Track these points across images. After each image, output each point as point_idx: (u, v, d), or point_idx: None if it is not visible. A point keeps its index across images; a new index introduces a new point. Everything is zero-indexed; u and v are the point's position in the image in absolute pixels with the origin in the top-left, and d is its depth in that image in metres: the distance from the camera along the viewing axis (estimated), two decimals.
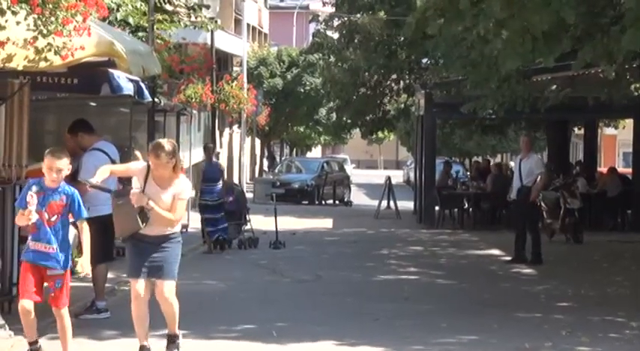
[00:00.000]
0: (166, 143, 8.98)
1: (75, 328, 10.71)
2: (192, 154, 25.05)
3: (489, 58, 15.85)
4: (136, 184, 9.09)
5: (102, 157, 11.65)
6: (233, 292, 14.24)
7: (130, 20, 17.38)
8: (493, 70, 16.64)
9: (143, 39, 18.14)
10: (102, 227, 11.56)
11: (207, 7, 25.00)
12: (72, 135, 12.03)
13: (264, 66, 52.50)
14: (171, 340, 9.36)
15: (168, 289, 9.11)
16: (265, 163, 58.97)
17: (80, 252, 13.06)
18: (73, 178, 11.80)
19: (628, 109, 25.96)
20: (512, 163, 36.61)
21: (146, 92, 14.13)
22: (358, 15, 34.55)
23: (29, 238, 8.76)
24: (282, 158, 60.03)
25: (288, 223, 25.73)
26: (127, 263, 9.24)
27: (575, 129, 37.68)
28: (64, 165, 8.59)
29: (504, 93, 19.73)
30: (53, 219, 8.58)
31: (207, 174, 19.65)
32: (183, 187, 9.14)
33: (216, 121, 30.26)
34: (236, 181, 40.48)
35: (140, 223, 8.94)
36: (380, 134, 51.49)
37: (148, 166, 9.05)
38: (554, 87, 21.98)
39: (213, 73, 27.30)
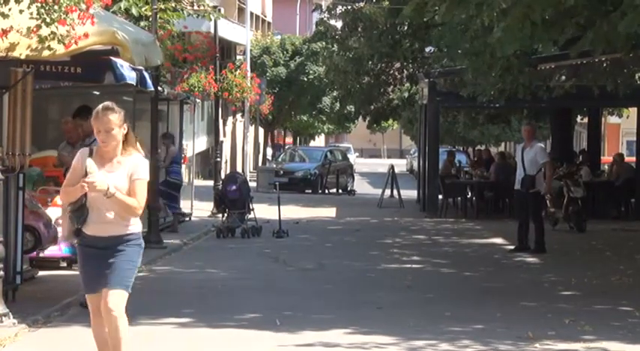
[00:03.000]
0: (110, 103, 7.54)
1: (77, 317, 10.77)
2: (197, 143, 25.04)
3: (492, 46, 15.83)
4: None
5: None
6: (236, 280, 14.24)
7: (133, 11, 17.34)
8: (496, 58, 16.60)
9: (146, 28, 18.11)
10: None
11: None
12: (80, 119, 12.04)
13: (268, 55, 52.43)
14: None
15: (113, 299, 7.18)
16: (269, 151, 58.91)
17: None
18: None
19: (632, 98, 25.91)
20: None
21: (149, 81, 14.15)
22: (362, 3, 34.46)
23: None
24: (286, 147, 59.97)
25: (292, 211, 25.71)
26: (80, 276, 7.58)
27: (578, 118, 37.56)
28: None
29: (505, 80, 19.67)
30: None
31: (177, 158, 21.70)
32: (138, 165, 7.34)
33: (220, 109, 30.16)
34: (239, 169, 40.52)
35: (74, 221, 7.26)
36: (383, 123, 51.38)
37: (91, 151, 7.42)
38: (558, 76, 21.95)
39: (216, 61, 27.21)
